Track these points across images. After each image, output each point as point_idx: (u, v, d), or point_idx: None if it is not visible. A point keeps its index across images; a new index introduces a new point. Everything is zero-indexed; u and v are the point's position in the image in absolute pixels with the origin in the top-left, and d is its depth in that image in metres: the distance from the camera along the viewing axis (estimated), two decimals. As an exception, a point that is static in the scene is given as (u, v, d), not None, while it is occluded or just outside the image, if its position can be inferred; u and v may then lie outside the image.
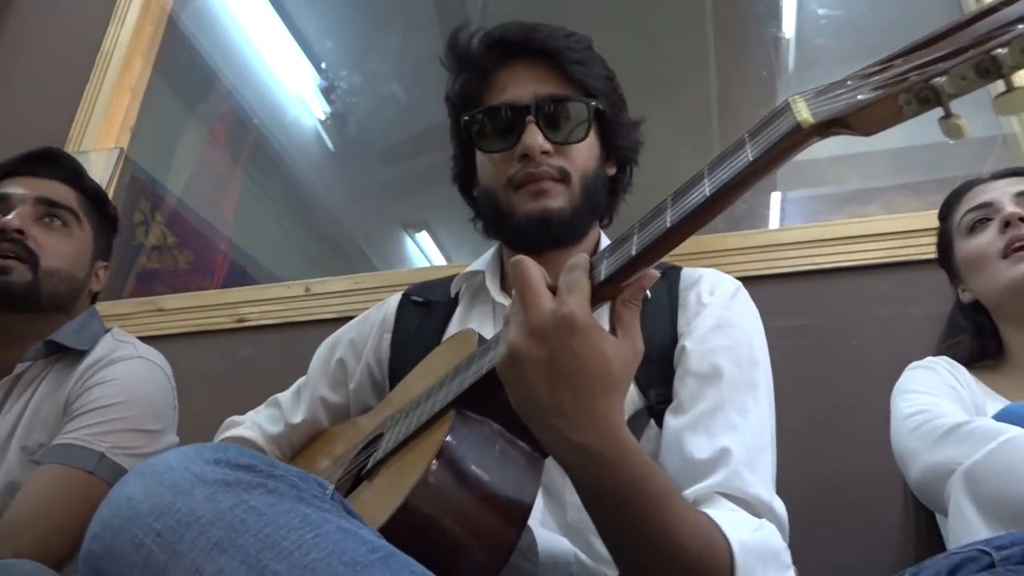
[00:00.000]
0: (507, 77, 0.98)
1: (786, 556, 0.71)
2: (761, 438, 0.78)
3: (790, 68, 2.19)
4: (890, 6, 2.04)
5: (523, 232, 0.93)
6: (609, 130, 1.01)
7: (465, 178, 1.08)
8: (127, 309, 1.93)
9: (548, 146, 0.93)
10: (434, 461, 0.62)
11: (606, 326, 0.61)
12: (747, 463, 0.74)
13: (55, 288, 1.23)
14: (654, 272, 0.62)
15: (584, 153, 0.97)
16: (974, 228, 1.14)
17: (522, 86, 0.96)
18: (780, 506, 0.74)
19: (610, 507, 0.61)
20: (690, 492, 0.73)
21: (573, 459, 0.60)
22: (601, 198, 1.01)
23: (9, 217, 1.20)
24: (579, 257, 0.62)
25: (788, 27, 2.20)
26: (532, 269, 0.61)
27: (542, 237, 0.93)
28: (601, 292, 0.60)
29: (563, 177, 0.94)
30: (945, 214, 1.23)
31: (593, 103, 0.96)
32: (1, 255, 1.18)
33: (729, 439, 0.76)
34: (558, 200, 0.93)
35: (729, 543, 0.63)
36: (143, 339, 1.35)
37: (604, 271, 0.61)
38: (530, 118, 0.93)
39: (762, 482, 0.74)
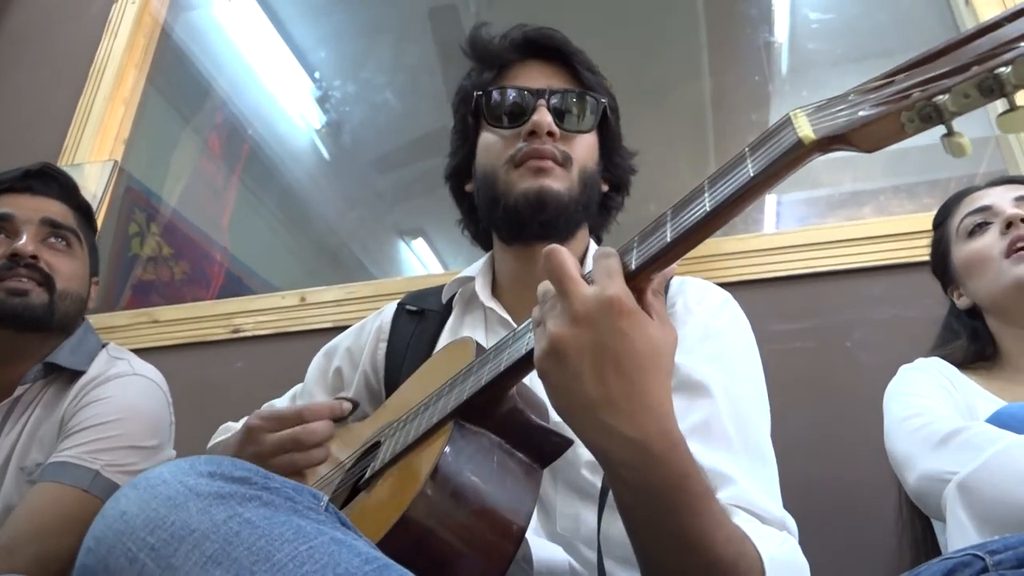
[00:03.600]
0: (523, 71, 1.01)
1: (808, 574, 0.68)
2: (760, 452, 0.76)
3: (783, 72, 2.20)
4: (881, 10, 2.05)
5: (518, 211, 0.93)
6: (609, 141, 1.03)
7: (460, 172, 1.07)
8: (122, 321, 1.93)
9: (555, 129, 0.94)
10: (432, 474, 0.62)
11: None
12: (752, 481, 0.72)
13: (67, 309, 1.26)
14: (674, 266, 0.60)
15: (586, 148, 0.98)
16: (974, 231, 1.15)
17: (536, 80, 0.99)
18: (792, 522, 0.72)
19: (653, 508, 0.57)
20: None
21: (622, 456, 0.55)
22: (595, 199, 1.01)
23: (23, 242, 1.22)
24: (605, 248, 0.60)
25: (780, 31, 2.20)
26: (567, 257, 0.58)
27: (536, 218, 0.93)
28: (631, 282, 0.58)
29: (564, 161, 0.94)
30: (940, 221, 1.23)
31: (602, 100, 1.00)
32: (18, 278, 1.20)
33: (726, 456, 0.73)
34: (557, 182, 0.93)
35: (760, 556, 0.61)
36: (138, 351, 1.36)
37: (633, 261, 0.59)
38: (542, 101, 0.95)
39: (771, 499, 0.72)
